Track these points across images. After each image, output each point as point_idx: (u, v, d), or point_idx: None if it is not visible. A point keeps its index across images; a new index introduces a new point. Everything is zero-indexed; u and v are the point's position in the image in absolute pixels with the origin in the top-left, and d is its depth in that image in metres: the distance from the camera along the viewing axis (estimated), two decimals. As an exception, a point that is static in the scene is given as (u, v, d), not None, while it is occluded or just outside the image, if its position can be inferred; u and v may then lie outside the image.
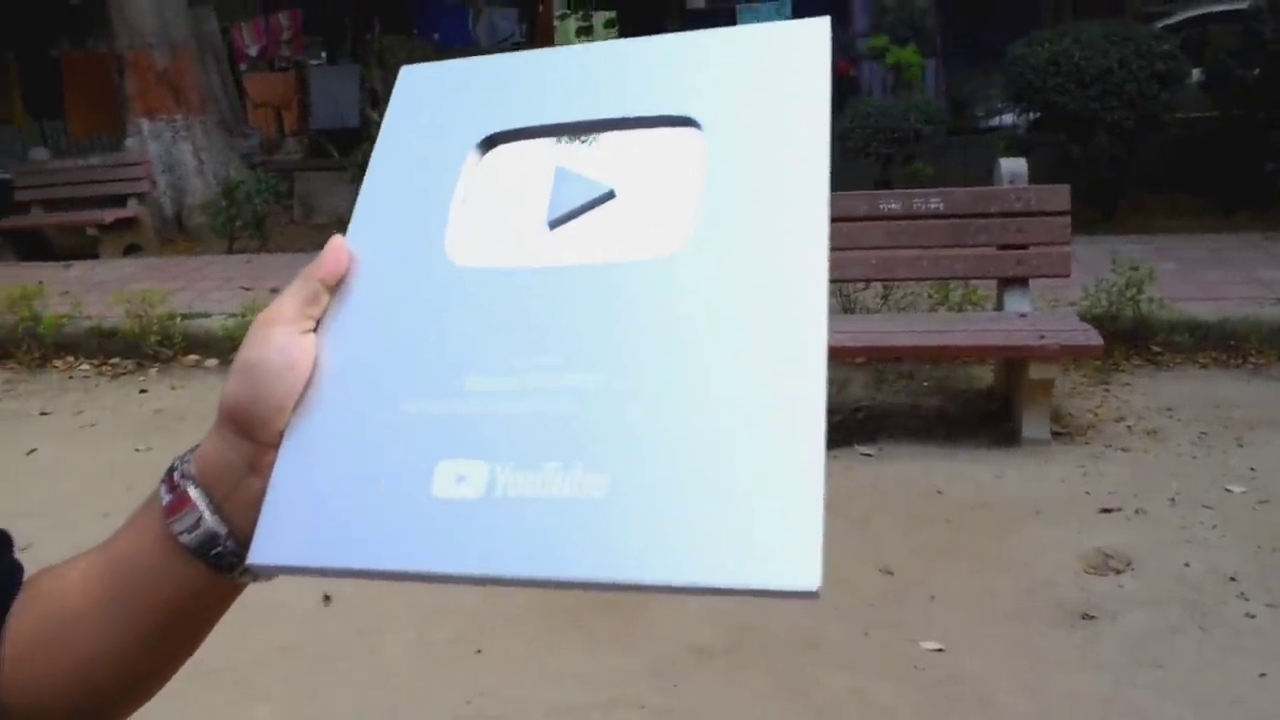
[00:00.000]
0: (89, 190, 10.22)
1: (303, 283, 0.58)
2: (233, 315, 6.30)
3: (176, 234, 10.47)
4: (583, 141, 0.59)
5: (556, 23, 9.72)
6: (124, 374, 6.06)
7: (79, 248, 9.72)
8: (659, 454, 0.47)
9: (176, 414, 5.30)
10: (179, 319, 6.34)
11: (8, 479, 4.58)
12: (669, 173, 0.56)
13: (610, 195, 0.57)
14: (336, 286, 0.59)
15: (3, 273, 8.48)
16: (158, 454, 4.75)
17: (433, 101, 0.65)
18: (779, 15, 9.92)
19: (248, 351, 0.57)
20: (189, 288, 7.44)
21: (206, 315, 6.50)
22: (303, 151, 12.41)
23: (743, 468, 0.46)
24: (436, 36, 11.82)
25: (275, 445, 0.55)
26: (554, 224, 0.57)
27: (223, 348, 6.05)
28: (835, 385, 4.96)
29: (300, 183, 11.24)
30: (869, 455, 4.25)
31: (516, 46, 10.89)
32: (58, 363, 6.28)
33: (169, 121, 10.54)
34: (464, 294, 0.56)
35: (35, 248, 10.26)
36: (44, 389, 5.91)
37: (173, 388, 5.75)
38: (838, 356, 4.89)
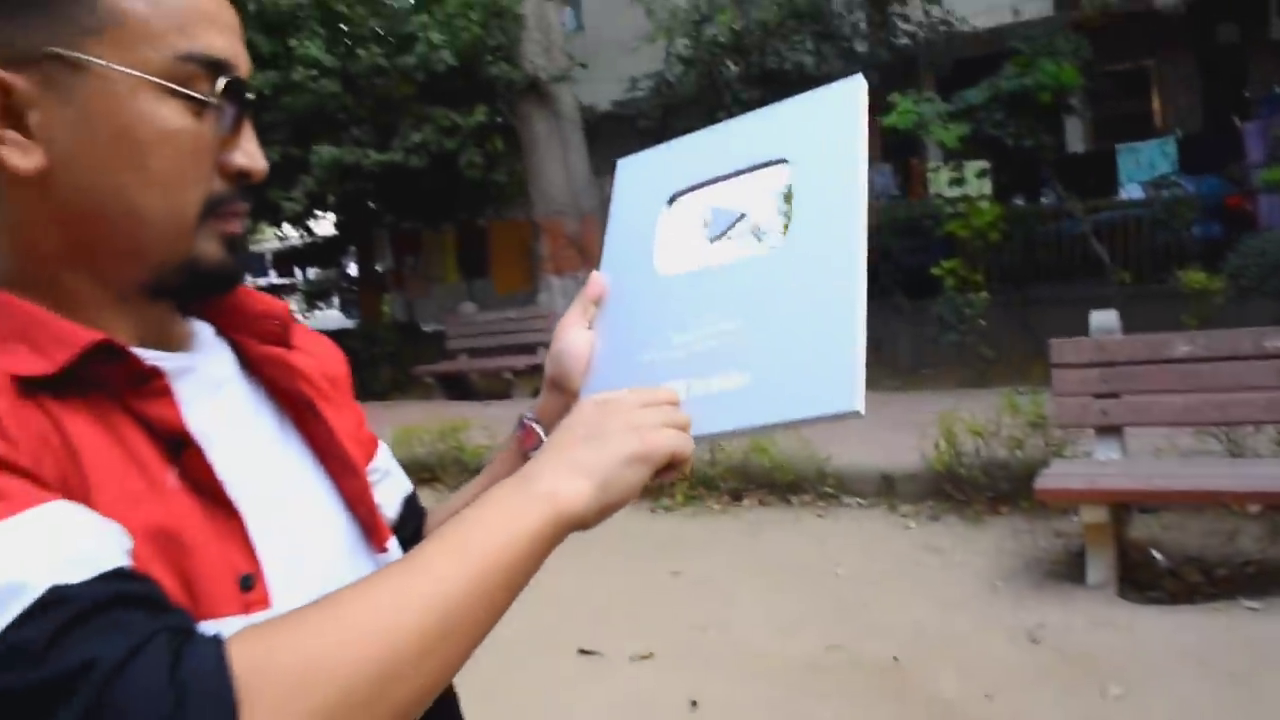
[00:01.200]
0: (506, 339, 11.67)
1: (579, 301, 0.96)
2: (622, 448, 6.96)
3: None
4: (724, 184, 0.95)
5: (930, 174, 10.02)
6: (529, 497, 6.85)
7: (496, 389, 11.09)
8: (772, 360, 0.82)
9: (580, 534, 5.92)
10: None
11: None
12: (773, 195, 0.90)
13: (742, 217, 0.92)
14: (598, 300, 0.96)
15: (434, 409, 9.87)
16: (548, 570, 5.35)
17: (640, 179, 1.03)
18: (1164, 156, 9.63)
19: (555, 344, 0.95)
20: (585, 424, 8.28)
21: (600, 448, 7.22)
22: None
23: (818, 360, 0.80)
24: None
25: (577, 395, 0.91)
26: (712, 240, 0.93)
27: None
28: (1223, 536, 4.70)
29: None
30: (1254, 610, 3.98)
31: (894, 199, 11.29)
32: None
33: (575, 279, 11.84)
34: (666, 290, 0.93)
35: (461, 388, 11.81)
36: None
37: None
38: (1225, 504, 4.65)
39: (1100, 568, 4.20)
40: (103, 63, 0.70)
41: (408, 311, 18.03)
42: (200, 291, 0.80)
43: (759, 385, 0.82)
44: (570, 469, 0.75)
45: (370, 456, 0.97)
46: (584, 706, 3.70)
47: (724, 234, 0.93)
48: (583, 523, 0.75)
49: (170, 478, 0.70)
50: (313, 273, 18.88)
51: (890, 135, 8.87)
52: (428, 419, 7.89)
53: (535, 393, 7.87)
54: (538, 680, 3.95)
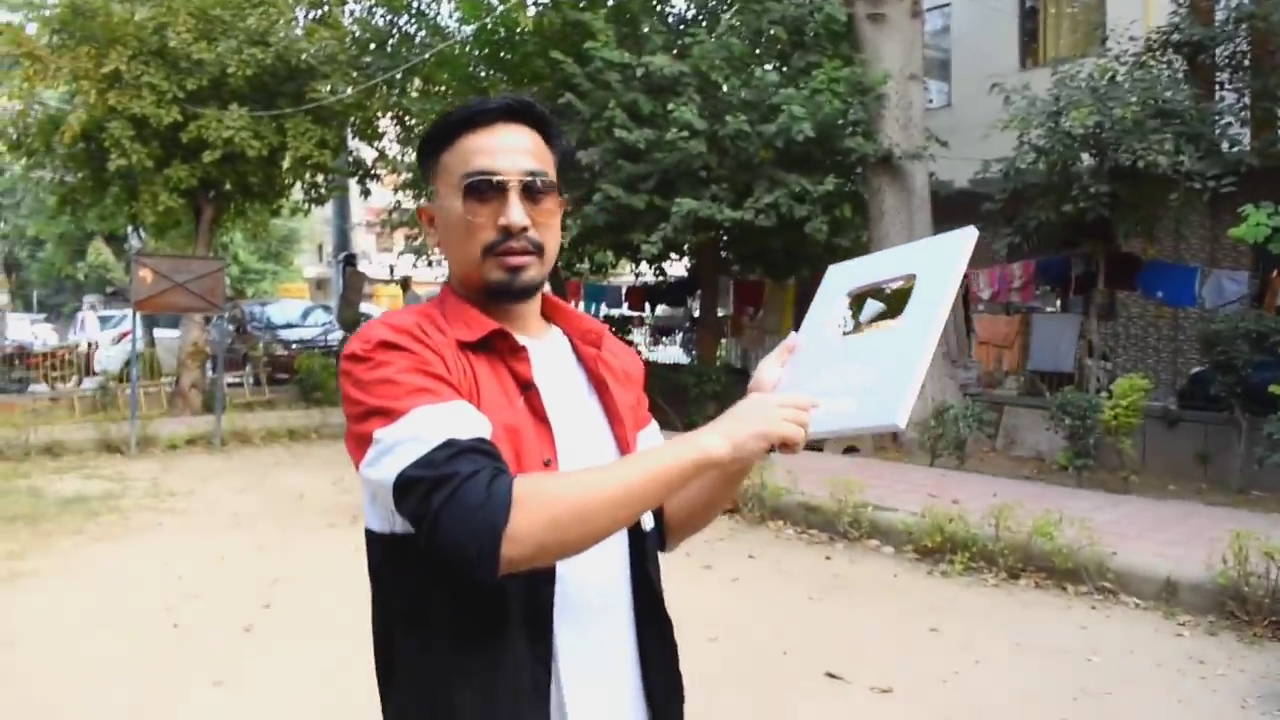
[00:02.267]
0: (827, 396, 12.17)
1: (781, 349, 1.46)
2: (913, 514, 7.29)
3: (890, 444, 11.91)
4: (880, 288, 1.47)
5: (1283, 287, 9.57)
6: (817, 543, 7.38)
7: (810, 442, 11.61)
8: (868, 393, 1.28)
9: (848, 580, 6.41)
10: (870, 508, 7.51)
11: (709, 596, 6.03)
12: (904, 296, 1.39)
13: (884, 309, 1.45)
14: (791, 350, 1.45)
15: (749, 450, 10.57)
16: (825, 605, 5.87)
17: (837, 277, 1.55)
18: None
19: (756, 374, 1.44)
20: (886, 486, 8.63)
21: (893, 510, 7.57)
22: (1018, 389, 13.33)
23: (889, 394, 1.25)
24: (1160, 295, 12.07)
25: None
26: (866, 322, 1.46)
27: (899, 539, 7.07)
28: None
29: (1009, 415, 12.13)
30: None
31: (1243, 308, 10.77)
32: (771, 523, 7.85)
33: (902, 347, 12.15)
34: (832, 347, 1.43)
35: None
36: (756, 540, 7.46)
37: (851, 561, 6.89)
38: None
39: (1362, 704, 4.17)
40: (439, 189, 1.41)
41: (741, 358, 18.95)
42: (501, 298, 1.39)
43: (856, 407, 1.29)
44: (718, 431, 1.25)
45: (642, 426, 1.55)
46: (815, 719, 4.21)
47: (872, 319, 1.49)
48: (719, 464, 1.25)
49: (519, 402, 1.34)
50: (661, 310, 20.24)
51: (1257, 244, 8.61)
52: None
53: (847, 449, 8.57)
54: (783, 692, 4.52)
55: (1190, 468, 9.89)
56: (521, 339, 1.39)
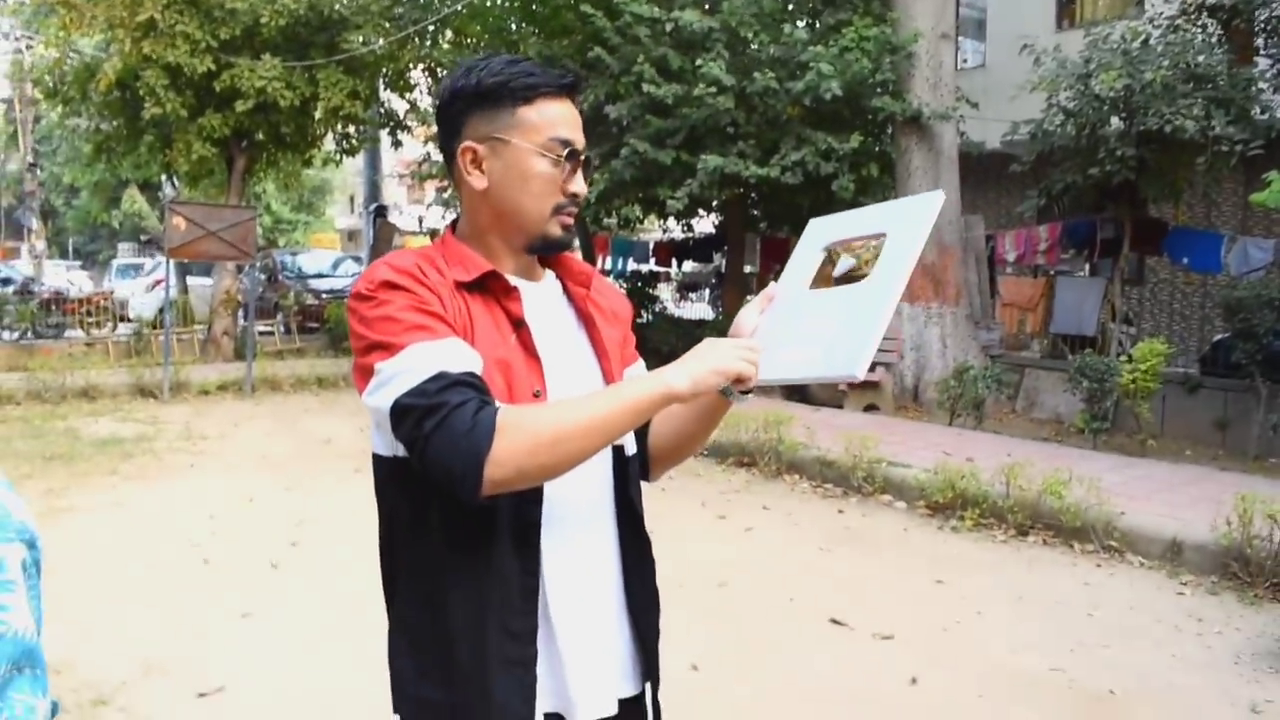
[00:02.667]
0: (849, 355, 12.26)
1: (760, 298, 1.56)
2: (927, 470, 7.40)
3: (910, 403, 12.01)
4: (855, 243, 1.57)
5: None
6: (831, 496, 7.52)
7: (831, 398, 11.74)
8: (831, 343, 1.39)
9: (858, 532, 6.55)
10: (884, 464, 7.63)
11: (722, 545, 6.19)
12: (874, 254, 1.48)
13: (858, 268, 1.53)
14: (770, 299, 1.55)
15: (768, 404, 10.64)
16: (834, 555, 6.02)
17: (816, 231, 1.64)
18: None
19: (736, 320, 1.55)
20: (902, 443, 8.73)
21: (907, 466, 7.68)
22: (1041, 352, 13.35)
23: (850, 345, 1.36)
24: (1186, 261, 12.03)
25: None
26: (837, 277, 1.55)
27: (911, 495, 7.20)
28: None
29: (1029, 378, 12.18)
30: None
31: (1277, 274, 10.74)
32: (787, 477, 7.99)
33: (925, 308, 12.21)
34: (805, 300, 1.52)
35: (798, 391, 12.53)
36: (771, 493, 7.61)
37: (863, 515, 7.02)
38: None
39: (1352, 662, 4.27)
40: (517, 141, 1.48)
41: (767, 315, 19.00)
42: (549, 250, 1.54)
43: (819, 356, 1.39)
44: (679, 369, 1.37)
45: (629, 363, 1.66)
46: (821, 664, 4.37)
47: (845, 274, 1.59)
48: (680, 397, 1.37)
49: (511, 338, 1.46)
50: (688, 266, 20.32)
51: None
52: (760, 410, 8.72)
53: (867, 408, 8.72)
54: (787, 637, 4.68)
55: (1208, 434, 9.93)
56: (517, 281, 1.52)
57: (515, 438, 1.28)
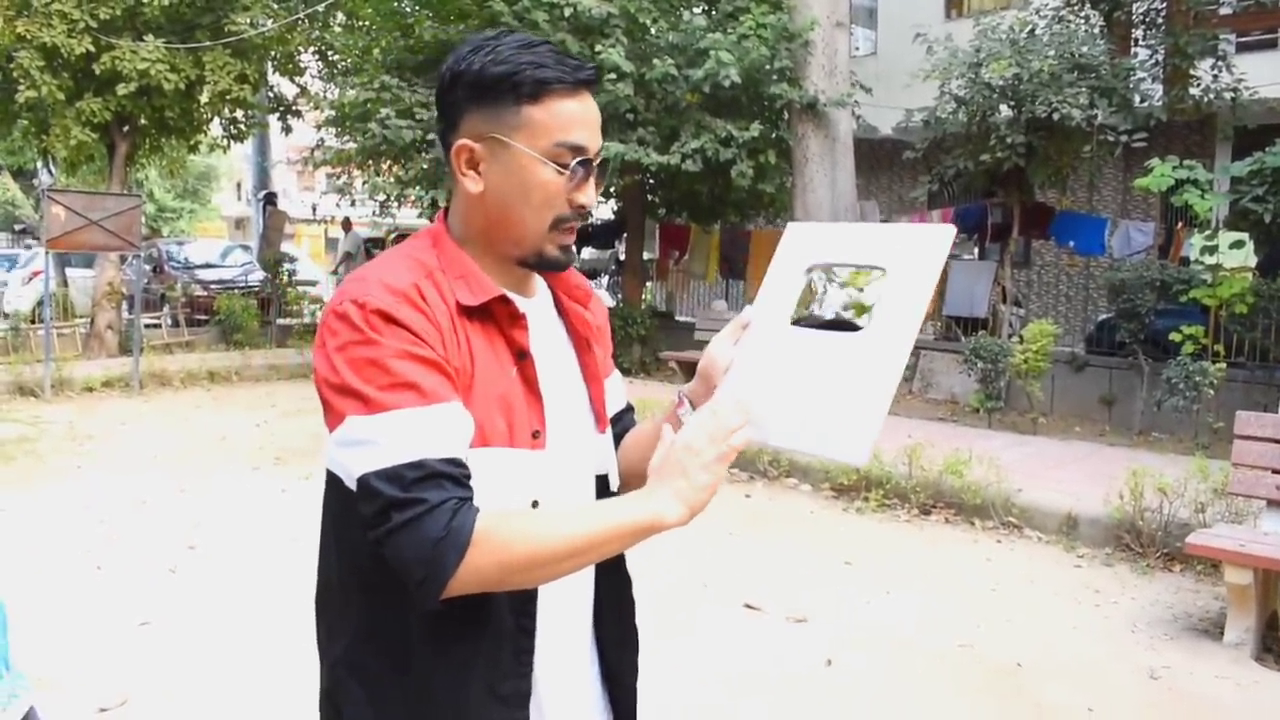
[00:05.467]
0: (750, 340, 12.41)
1: (734, 324, 1.45)
2: (831, 453, 7.51)
3: (810, 387, 12.18)
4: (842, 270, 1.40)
5: (1190, 240, 9.93)
6: (737, 481, 7.58)
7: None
8: (827, 407, 1.25)
9: (766, 516, 6.62)
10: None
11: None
12: (869, 291, 1.33)
13: (852, 309, 1.37)
14: (745, 327, 1.44)
15: (672, 391, 10.74)
16: (743, 539, 6.07)
17: (798, 243, 1.45)
18: None
19: (709, 349, 1.45)
20: (805, 427, 8.86)
21: (811, 450, 7.80)
22: (934, 334, 13.67)
23: (852, 419, 1.22)
24: (1072, 244, 12.45)
25: (714, 388, 1.43)
26: (830, 322, 1.38)
27: (817, 478, 7.30)
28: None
29: (925, 359, 12.45)
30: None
31: (1149, 258, 11.19)
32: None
33: (824, 293, 12.38)
34: (789, 339, 1.37)
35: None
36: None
37: (770, 499, 7.10)
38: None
39: (1238, 628, 4.48)
40: (518, 145, 1.30)
41: (666, 301, 19.08)
42: (541, 270, 1.39)
43: (814, 431, 1.26)
44: (671, 497, 1.21)
45: (607, 375, 1.55)
46: (736, 648, 4.40)
47: (838, 316, 1.37)
48: (670, 528, 1.22)
49: (512, 370, 1.32)
50: (587, 253, 20.27)
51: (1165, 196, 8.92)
52: (664, 398, 8.72)
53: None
54: (704, 622, 4.71)
55: (1095, 410, 10.30)
56: (518, 301, 1.37)
57: (488, 555, 1.16)
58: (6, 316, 16.36)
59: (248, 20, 13.64)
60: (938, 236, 1.28)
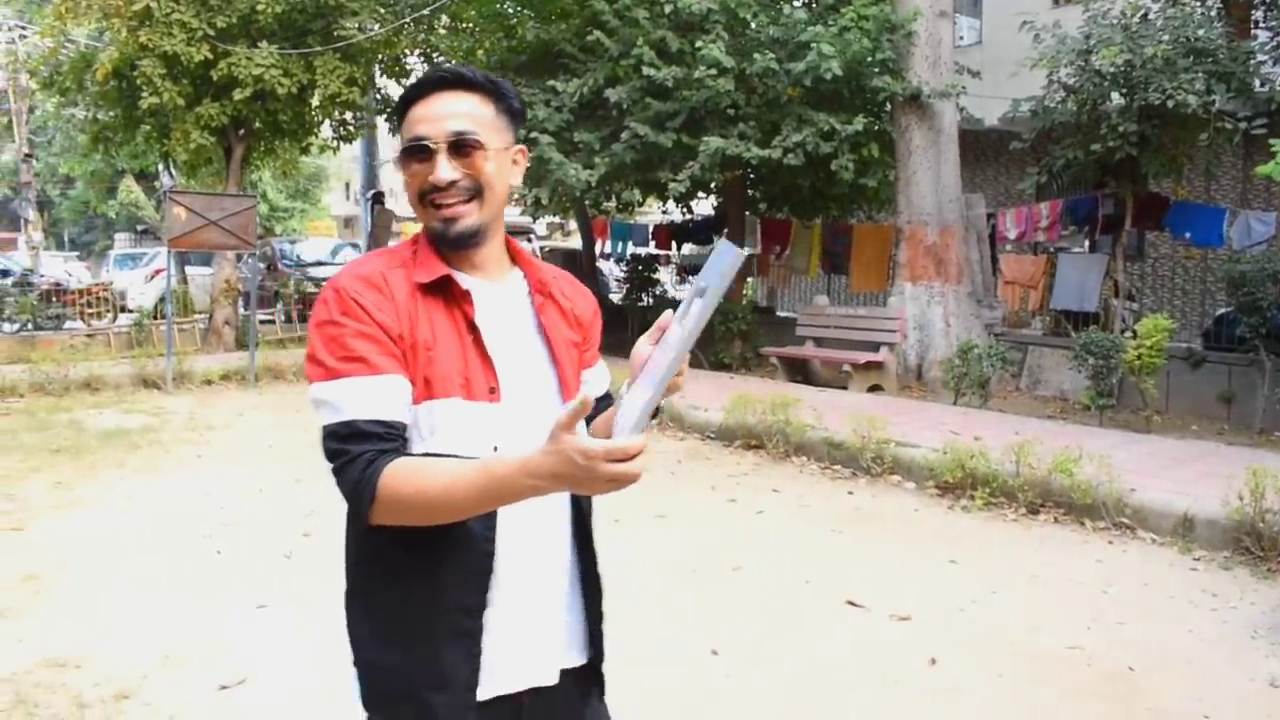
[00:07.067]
0: (852, 335, 12.30)
1: (655, 327, 1.47)
2: (935, 450, 7.41)
3: (914, 382, 12.01)
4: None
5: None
6: (840, 478, 7.52)
7: (835, 379, 11.77)
8: (641, 393, 1.36)
9: (869, 514, 6.56)
10: (892, 444, 7.63)
11: (734, 528, 6.20)
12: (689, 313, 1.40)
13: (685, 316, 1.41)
14: (664, 329, 1.45)
15: (774, 387, 10.73)
16: (846, 537, 6.03)
17: (713, 259, 1.42)
18: None
19: (635, 351, 1.48)
20: (909, 423, 8.74)
21: (915, 446, 7.69)
22: (1043, 329, 13.35)
23: (631, 413, 1.34)
24: (1188, 235, 12.02)
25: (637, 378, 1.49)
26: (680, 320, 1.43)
27: (921, 475, 7.20)
28: None
29: (1033, 355, 12.18)
30: None
31: (1270, 246, 10.75)
32: (795, 459, 8.00)
33: (928, 287, 12.19)
34: (671, 339, 1.41)
35: (803, 373, 12.58)
36: (780, 475, 7.61)
37: (873, 496, 7.03)
38: None
39: (1368, 635, 4.29)
40: (400, 154, 1.60)
41: (768, 296, 18.98)
42: (448, 246, 1.60)
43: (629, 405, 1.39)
44: (554, 486, 1.35)
45: (588, 366, 1.76)
46: (838, 647, 4.38)
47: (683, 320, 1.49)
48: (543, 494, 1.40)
49: (469, 340, 1.57)
50: (688, 248, 20.26)
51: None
52: (765, 393, 8.72)
53: (871, 388, 8.77)
54: (804, 619, 4.69)
55: (1213, 408, 9.94)
56: (474, 281, 1.63)
57: (390, 499, 1.44)
58: (130, 312, 17.07)
59: (356, 25, 14.02)
60: (736, 253, 1.42)
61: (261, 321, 15.20)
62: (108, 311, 17.10)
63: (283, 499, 6.75)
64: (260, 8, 13.18)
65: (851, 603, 4.84)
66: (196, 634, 4.42)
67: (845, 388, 11.53)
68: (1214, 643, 4.46)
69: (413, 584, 1.55)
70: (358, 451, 1.46)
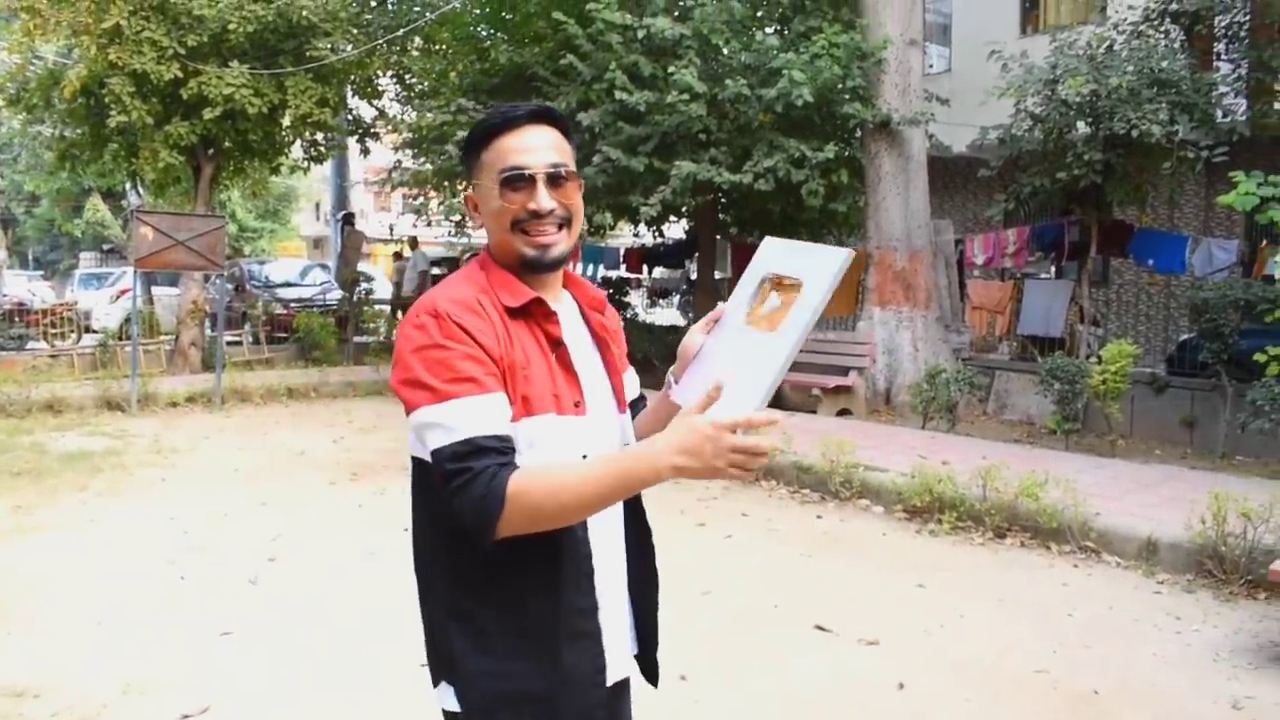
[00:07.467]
0: (821, 359, 12.34)
1: (708, 318, 1.80)
2: (903, 474, 7.44)
3: (883, 407, 12.08)
4: (785, 281, 1.65)
5: (1275, 259, 9.69)
6: (809, 502, 7.54)
7: (804, 403, 11.80)
8: (741, 379, 1.54)
9: (838, 537, 6.57)
10: (861, 468, 7.66)
11: (702, 553, 6.19)
12: (790, 300, 1.61)
13: (778, 313, 1.63)
14: (717, 320, 1.77)
15: (744, 412, 10.72)
16: (815, 561, 6.04)
17: (767, 254, 1.74)
18: None
19: (686, 337, 1.81)
20: (877, 447, 8.77)
21: (884, 470, 7.72)
22: (1009, 354, 13.47)
23: (750, 391, 1.52)
24: (1151, 262, 12.19)
25: (688, 365, 1.80)
26: (764, 314, 1.66)
27: (889, 499, 7.23)
28: None
29: (999, 380, 12.28)
30: None
31: (1234, 277, 10.91)
32: (764, 483, 8.01)
33: (897, 312, 12.28)
34: (740, 333, 1.68)
35: (773, 397, 12.58)
36: (749, 499, 7.62)
37: (841, 520, 7.05)
38: None
39: (1328, 658, 4.34)
40: (482, 182, 1.71)
41: (738, 320, 19.03)
42: (534, 270, 1.69)
43: (730, 392, 1.52)
44: (681, 461, 1.47)
45: (625, 370, 1.89)
46: (807, 671, 4.38)
47: (767, 316, 1.66)
48: (671, 478, 1.51)
49: (553, 357, 1.68)
50: (659, 272, 20.33)
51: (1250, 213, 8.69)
52: (733, 418, 8.70)
53: (840, 412, 8.78)
54: (773, 644, 4.69)
55: (1176, 433, 10.06)
56: (551, 304, 1.71)
57: (521, 506, 1.49)
58: (95, 332, 16.88)
59: (329, 46, 14.01)
60: (839, 254, 1.59)
61: (229, 343, 15.08)
62: (72, 332, 16.90)
63: (248, 524, 6.68)
64: (232, 27, 13.14)
65: (820, 627, 4.85)
66: (159, 661, 4.36)
67: (814, 411, 11.57)
68: (1178, 666, 4.50)
69: (528, 590, 1.62)
70: (480, 467, 1.50)
